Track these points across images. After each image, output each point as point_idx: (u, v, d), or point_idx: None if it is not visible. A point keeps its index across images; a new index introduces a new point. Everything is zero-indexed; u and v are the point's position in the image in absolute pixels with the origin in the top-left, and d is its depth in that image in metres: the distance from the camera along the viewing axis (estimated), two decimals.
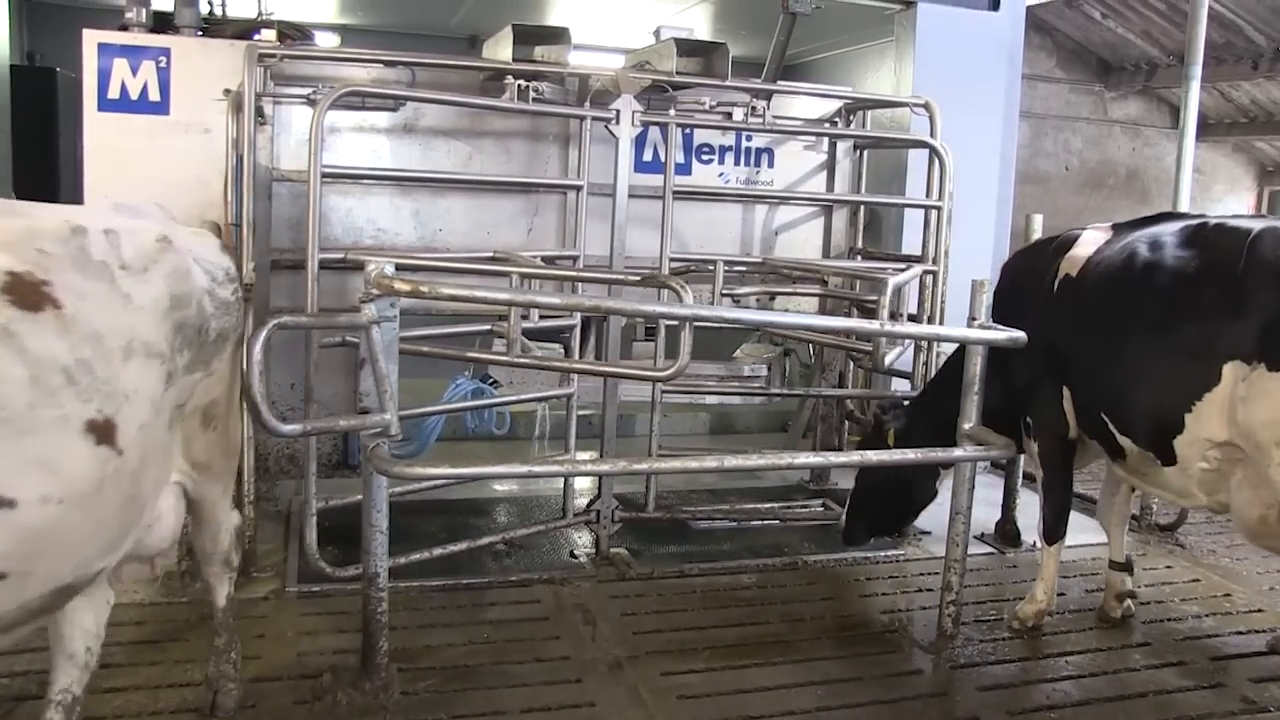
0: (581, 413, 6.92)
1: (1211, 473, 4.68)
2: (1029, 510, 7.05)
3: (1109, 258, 5.05)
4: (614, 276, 5.15)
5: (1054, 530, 5.49)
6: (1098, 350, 4.96)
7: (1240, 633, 5.60)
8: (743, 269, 6.64)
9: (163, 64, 5.84)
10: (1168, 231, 4.95)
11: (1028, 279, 5.41)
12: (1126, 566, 5.66)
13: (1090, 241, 5.23)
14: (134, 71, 5.85)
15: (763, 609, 5.61)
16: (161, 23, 6.21)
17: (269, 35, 6.50)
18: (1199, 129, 9.62)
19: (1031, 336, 5.00)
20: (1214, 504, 4.82)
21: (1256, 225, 4.61)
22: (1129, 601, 5.65)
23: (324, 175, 5.39)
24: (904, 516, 6.10)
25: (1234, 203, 15.06)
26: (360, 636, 4.59)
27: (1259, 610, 5.91)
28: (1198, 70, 7.75)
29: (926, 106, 6.63)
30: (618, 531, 6.29)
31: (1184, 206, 7.70)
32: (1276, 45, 11.44)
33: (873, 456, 5.82)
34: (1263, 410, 4.33)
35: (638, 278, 4.88)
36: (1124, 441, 4.95)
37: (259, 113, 5.64)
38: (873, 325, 5.12)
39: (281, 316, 4.17)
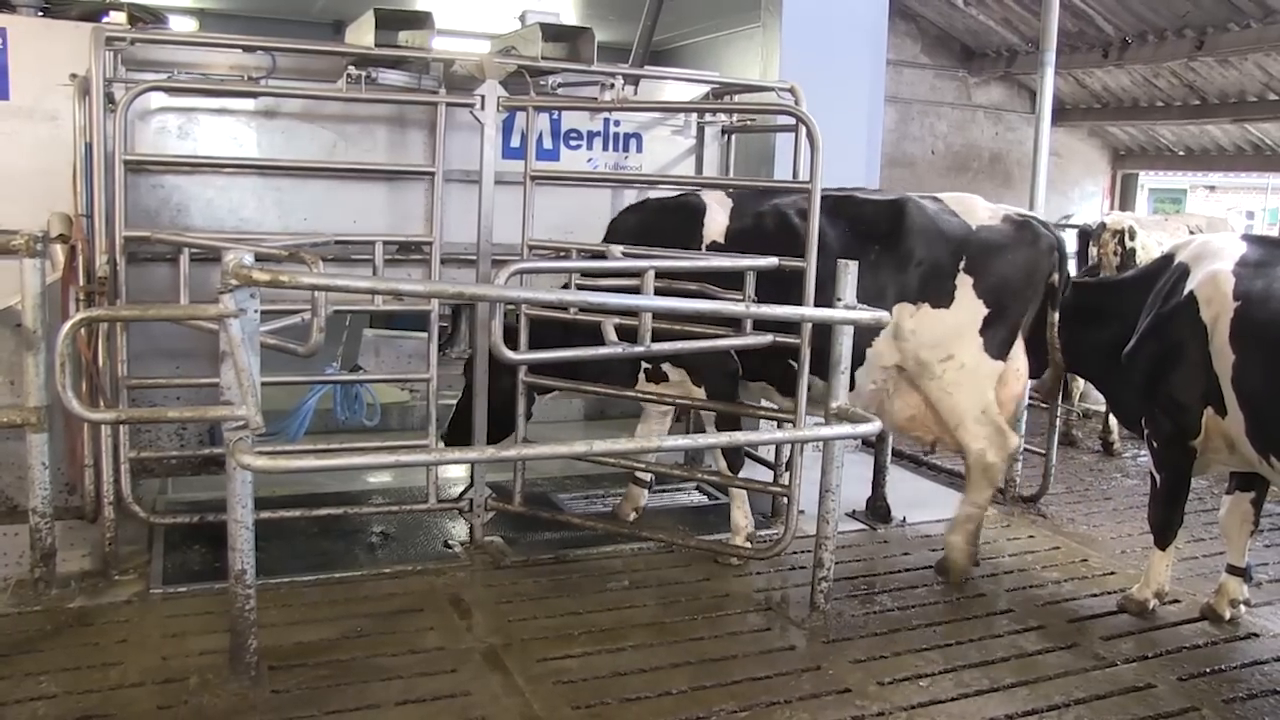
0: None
1: (877, 391, 6.01)
2: (900, 487, 7.27)
3: (756, 225, 5.98)
4: (268, 251, 5.01)
5: None
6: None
7: (1095, 595, 5.87)
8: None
9: None
10: (803, 201, 5.77)
11: (660, 241, 5.85)
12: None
13: (719, 211, 6.10)
14: None
15: (638, 592, 5.65)
16: None
17: (119, 18, 6.24)
18: (1056, 114, 9.98)
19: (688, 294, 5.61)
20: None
21: (891, 195, 6.01)
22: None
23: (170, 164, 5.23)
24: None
25: (1090, 184, 15.63)
26: (228, 636, 4.50)
27: (1112, 573, 6.19)
28: (1052, 57, 8.01)
29: (792, 91, 6.71)
30: (492, 519, 6.26)
31: (1042, 188, 7.95)
32: (1124, 35, 11.89)
33: (740, 438, 5.93)
34: (928, 336, 5.79)
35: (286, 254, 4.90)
36: (812, 379, 5.73)
37: (109, 99, 5.42)
38: (737, 307, 5.18)
39: (92, 310, 4.03)
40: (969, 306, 5.78)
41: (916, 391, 6.00)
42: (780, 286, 5.55)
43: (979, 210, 5.98)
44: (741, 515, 6.24)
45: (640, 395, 6.32)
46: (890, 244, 5.80)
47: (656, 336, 5.16)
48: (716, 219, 6.10)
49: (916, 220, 5.83)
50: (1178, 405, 5.32)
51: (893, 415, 6.10)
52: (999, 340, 5.82)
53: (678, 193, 6.40)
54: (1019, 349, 5.95)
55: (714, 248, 6.01)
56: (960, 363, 5.79)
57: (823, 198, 5.74)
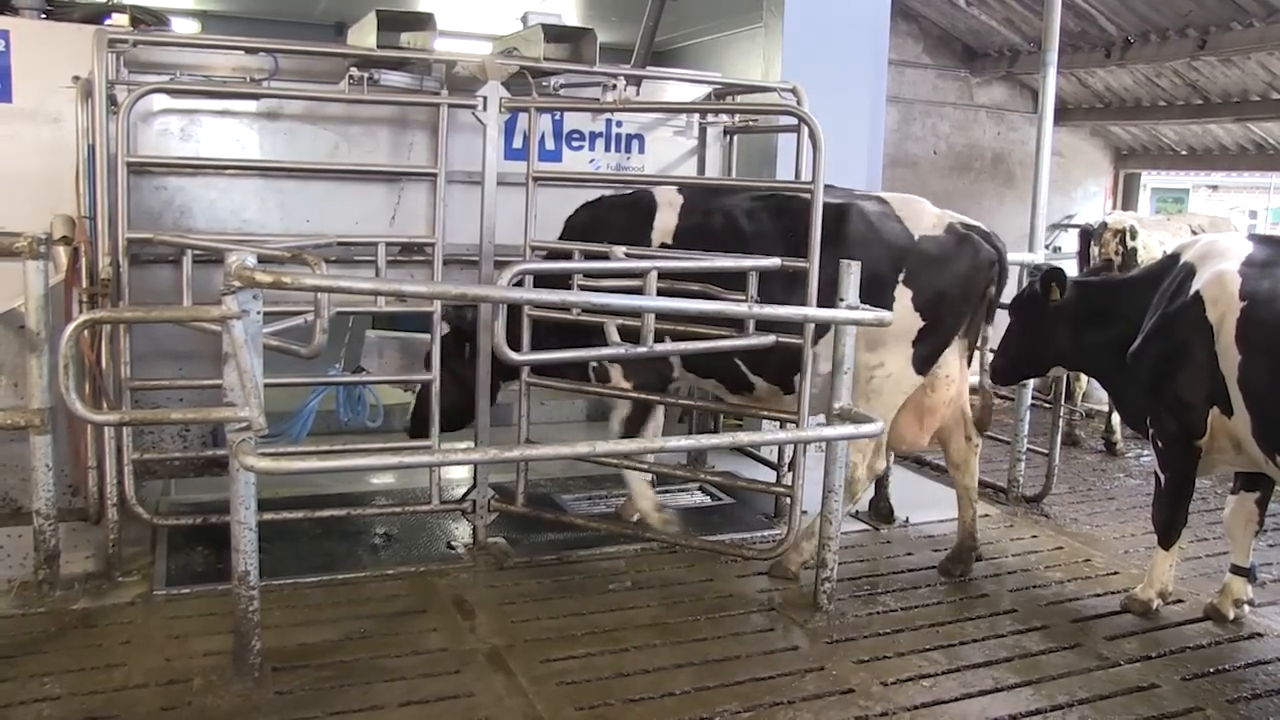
0: None
1: (816, 395, 5.76)
2: (903, 487, 7.27)
3: (704, 223, 5.96)
4: (270, 252, 4.97)
5: None
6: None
7: (1098, 595, 5.86)
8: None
9: (0, 47, 5.58)
10: (750, 201, 5.98)
11: (611, 237, 5.84)
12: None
13: (668, 207, 6.10)
14: None
15: (641, 593, 5.65)
16: None
17: (121, 20, 6.25)
18: (1058, 114, 9.94)
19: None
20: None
21: (836, 200, 5.81)
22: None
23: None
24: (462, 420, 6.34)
25: (1092, 184, 15.57)
26: (232, 637, 4.50)
27: (1115, 573, 6.19)
28: (1054, 57, 7.99)
29: (794, 91, 6.71)
30: (495, 520, 6.26)
31: (1044, 188, 7.93)
32: (1126, 35, 11.85)
33: (744, 438, 5.92)
34: (864, 342, 5.60)
35: (288, 254, 4.89)
36: (755, 379, 5.93)
37: (111, 101, 5.42)
38: (740, 308, 5.18)
39: (95, 312, 4.04)
40: (906, 318, 5.70)
41: None
42: (726, 283, 5.61)
43: (925, 216, 5.89)
44: (643, 493, 6.31)
45: (637, 396, 6.33)
46: (830, 248, 5.60)
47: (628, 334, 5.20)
48: (666, 217, 6.10)
49: (857, 227, 5.72)
50: (1183, 405, 5.31)
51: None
52: (925, 354, 5.80)
53: (633, 190, 6.40)
54: (952, 355, 5.93)
55: (663, 246, 6.01)
56: (888, 371, 5.76)
57: (769, 197, 5.96)
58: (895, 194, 6.11)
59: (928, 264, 5.73)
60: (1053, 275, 5.91)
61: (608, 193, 6.49)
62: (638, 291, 5.19)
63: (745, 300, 5.28)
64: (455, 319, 6.20)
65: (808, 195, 5.64)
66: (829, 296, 5.41)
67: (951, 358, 5.94)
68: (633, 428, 6.30)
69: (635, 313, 5.17)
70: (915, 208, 5.95)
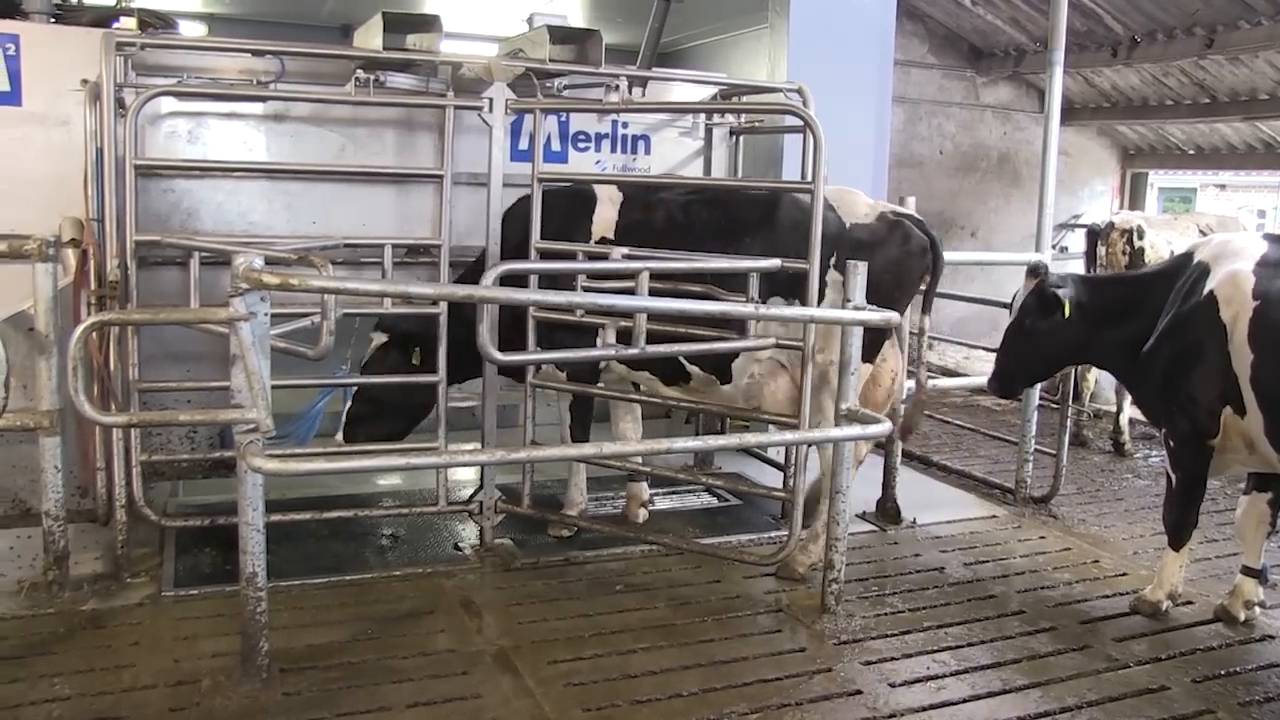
0: (465, 404, 6.89)
1: (754, 384, 5.94)
2: (910, 488, 7.25)
3: (644, 220, 6.07)
4: (277, 254, 5.01)
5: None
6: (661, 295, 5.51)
7: (1106, 596, 5.84)
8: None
9: (10, 51, 5.59)
10: (685, 195, 6.12)
11: (551, 229, 6.02)
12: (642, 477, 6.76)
13: (608, 205, 6.19)
14: None
15: (649, 594, 5.64)
16: (6, 8, 5.94)
17: (129, 23, 6.28)
18: (1065, 113, 9.95)
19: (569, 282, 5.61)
20: (749, 406, 6.05)
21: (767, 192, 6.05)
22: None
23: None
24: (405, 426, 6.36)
25: (1099, 184, 15.57)
26: (240, 639, 4.51)
27: (1124, 574, 6.17)
28: (1060, 57, 7.97)
29: (800, 91, 6.71)
30: (502, 522, 6.26)
31: (1051, 187, 7.92)
32: (1133, 34, 11.85)
33: (749, 439, 5.90)
34: (798, 333, 5.64)
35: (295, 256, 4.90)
36: (692, 369, 6.01)
37: (119, 104, 5.44)
38: (746, 309, 5.17)
39: (103, 314, 4.05)
40: (838, 304, 5.60)
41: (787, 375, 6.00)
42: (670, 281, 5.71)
43: (858, 206, 5.96)
44: (577, 492, 6.55)
45: (630, 396, 6.35)
46: (761, 238, 5.72)
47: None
48: (605, 213, 6.17)
49: (789, 215, 5.75)
50: (1196, 404, 5.29)
51: (768, 401, 6.00)
52: (865, 343, 5.62)
53: (574, 184, 6.41)
54: (890, 348, 5.96)
55: (602, 241, 6.04)
56: (830, 359, 5.68)
57: (705, 189, 6.19)
58: (833, 187, 6.07)
59: (858, 250, 5.71)
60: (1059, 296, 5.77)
61: None
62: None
63: (747, 300, 5.28)
64: (390, 324, 6.13)
65: (749, 190, 5.96)
66: (769, 285, 5.65)
67: (890, 350, 5.97)
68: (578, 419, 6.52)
69: (631, 313, 5.16)
70: (849, 198, 6.02)
